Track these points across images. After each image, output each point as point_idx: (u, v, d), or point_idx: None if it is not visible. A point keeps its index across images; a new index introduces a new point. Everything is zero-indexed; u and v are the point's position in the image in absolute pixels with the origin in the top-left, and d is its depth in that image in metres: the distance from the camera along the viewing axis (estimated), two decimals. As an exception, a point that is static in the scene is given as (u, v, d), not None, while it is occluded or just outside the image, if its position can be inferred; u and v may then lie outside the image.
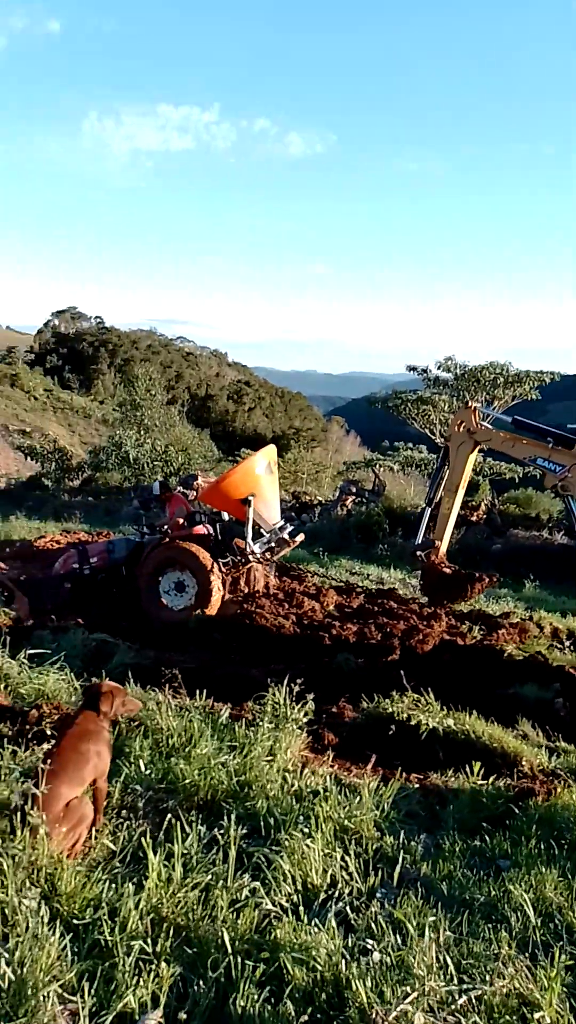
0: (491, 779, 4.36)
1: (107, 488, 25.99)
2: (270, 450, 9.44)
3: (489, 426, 8.89)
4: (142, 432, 28.50)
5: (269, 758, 4.23)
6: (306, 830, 3.39)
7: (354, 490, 22.43)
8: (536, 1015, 2.37)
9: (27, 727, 4.52)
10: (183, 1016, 2.35)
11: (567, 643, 8.97)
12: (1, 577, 9.26)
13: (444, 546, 9.22)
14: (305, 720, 4.85)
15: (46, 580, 9.68)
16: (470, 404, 9.17)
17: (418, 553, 9.49)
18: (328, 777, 4.18)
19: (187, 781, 3.84)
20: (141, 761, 4.05)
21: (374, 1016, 2.30)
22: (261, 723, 4.60)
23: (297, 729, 4.70)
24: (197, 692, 5.27)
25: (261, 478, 8.96)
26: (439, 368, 26.81)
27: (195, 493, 10.64)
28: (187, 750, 4.19)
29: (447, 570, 9.31)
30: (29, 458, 30.17)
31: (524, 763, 4.77)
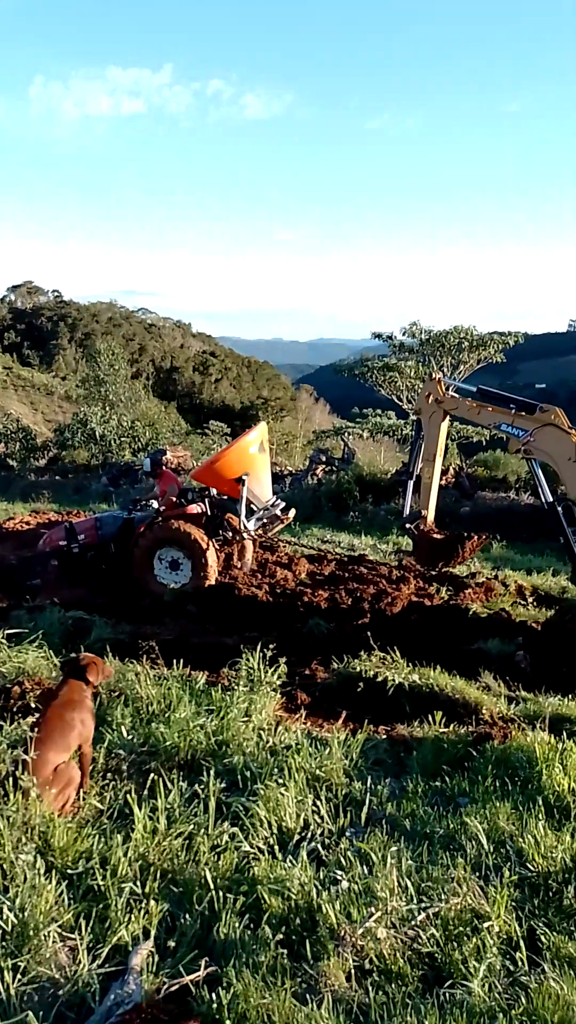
0: (452, 727, 4.68)
1: (74, 466, 25.79)
2: (261, 428, 9.54)
3: (455, 395, 9.11)
4: (107, 408, 28.24)
5: (245, 719, 4.49)
6: (280, 780, 3.66)
7: (324, 459, 22.62)
8: (486, 924, 2.68)
9: (11, 702, 4.71)
10: (172, 944, 2.62)
11: (530, 599, 9.34)
12: None
13: (431, 514, 9.48)
14: (279, 683, 5.11)
15: (33, 557, 9.66)
16: (435, 376, 9.37)
17: (407, 525, 9.71)
18: (301, 733, 4.46)
19: (167, 743, 4.07)
20: (123, 728, 4.28)
21: (342, 934, 2.59)
22: (236, 687, 4.85)
23: (271, 691, 4.96)
24: (174, 662, 5.47)
25: (255, 457, 9.10)
26: (404, 334, 26.99)
27: (164, 468, 10.66)
28: (166, 715, 4.42)
29: (438, 536, 9.58)
30: (-8, 439, 29.71)
31: (484, 712, 5.09)
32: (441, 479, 9.82)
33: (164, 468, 9.96)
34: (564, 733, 4.45)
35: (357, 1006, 2.39)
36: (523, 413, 8.17)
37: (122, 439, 26.20)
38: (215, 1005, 2.29)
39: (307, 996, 2.38)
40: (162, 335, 78.56)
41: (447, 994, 2.42)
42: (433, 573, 9.75)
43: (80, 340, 67.09)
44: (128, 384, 32.48)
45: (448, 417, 9.27)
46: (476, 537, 9.53)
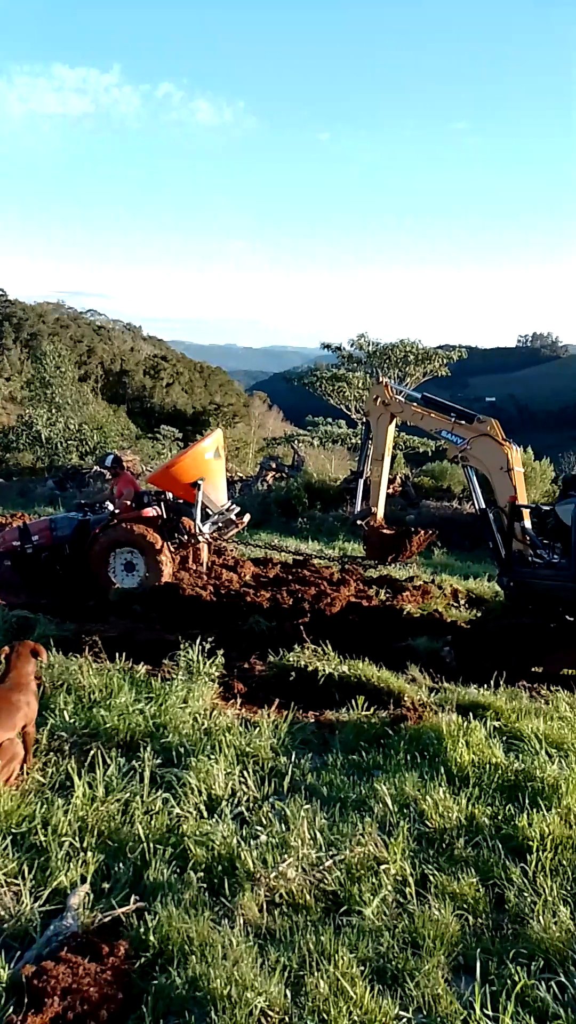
0: (374, 711, 5.11)
1: (19, 469, 25.55)
2: (217, 435, 9.89)
3: (402, 399, 9.63)
4: (53, 411, 28.01)
5: (183, 705, 4.81)
6: (213, 756, 4.01)
7: (275, 465, 23.05)
8: (383, 867, 3.09)
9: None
10: (106, 887, 2.94)
11: (463, 602, 9.91)
12: None
13: (381, 511, 9.94)
14: (216, 673, 5.46)
15: None
16: (382, 379, 9.90)
17: (358, 522, 10.16)
18: (234, 716, 4.81)
19: (108, 726, 4.38)
20: (66, 712, 4.55)
21: (258, 876, 2.96)
22: (175, 677, 5.18)
23: (209, 681, 5.31)
24: (117, 656, 5.75)
25: (210, 463, 9.43)
26: (352, 346, 27.74)
27: (126, 469, 10.79)
28: (107, 702, 4.71)
29: (387, 531, 10.06)
30: None
31: (406, 699, 5.54)
32: (389, 487, 10.27)
33: (125, 469, 10.09)
34: (471, 715, 4.93)
35: (266, 929, 2.77)
36: (462, 422, 8.73)
37: (69, 442, 26.11)
38: (142, 930, 2.64)
39: (223, 922, 2.75)
40: (112, 338, 77.66)
41: (343, 919, 2.82)
42: (374, 576, 10.23)
43: (26, 340, 65.82)
44: (75, 386, 32.26)
45: (395, 420, 9.77)
46: (423, 532, 10.07)
